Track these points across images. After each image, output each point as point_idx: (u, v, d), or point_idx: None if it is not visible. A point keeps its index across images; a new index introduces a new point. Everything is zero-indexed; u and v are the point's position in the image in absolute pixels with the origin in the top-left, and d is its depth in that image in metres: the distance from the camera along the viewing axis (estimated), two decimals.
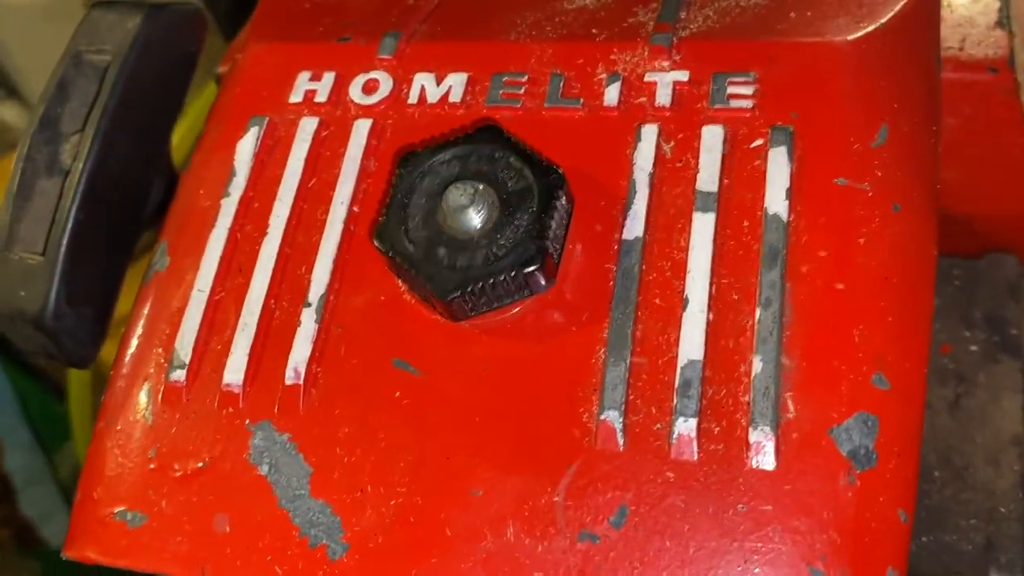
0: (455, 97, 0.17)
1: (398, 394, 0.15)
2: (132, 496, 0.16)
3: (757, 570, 0.13)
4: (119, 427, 0.16)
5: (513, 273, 0.14)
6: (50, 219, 0.21)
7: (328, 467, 0.15)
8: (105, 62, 0.21)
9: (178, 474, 0.16)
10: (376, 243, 0.15)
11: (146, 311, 0.17)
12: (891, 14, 0.17)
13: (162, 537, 0.15)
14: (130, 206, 0.21)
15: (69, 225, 0.20)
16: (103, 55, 0.22)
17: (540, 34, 0.18)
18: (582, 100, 0.17)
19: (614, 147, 0.16)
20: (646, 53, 0.17)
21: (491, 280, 0.14)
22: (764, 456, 0.13)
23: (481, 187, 0.15)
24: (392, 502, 0.15)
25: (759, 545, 0.13)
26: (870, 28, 0.17)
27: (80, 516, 0.16)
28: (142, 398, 0.16)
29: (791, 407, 0.14)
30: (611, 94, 0.17)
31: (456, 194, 0.15)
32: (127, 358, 0.17)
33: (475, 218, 0.15)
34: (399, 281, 0.16)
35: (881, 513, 0.13)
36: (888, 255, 0.15)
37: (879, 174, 0.15)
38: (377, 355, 0.16)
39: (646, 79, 0.17)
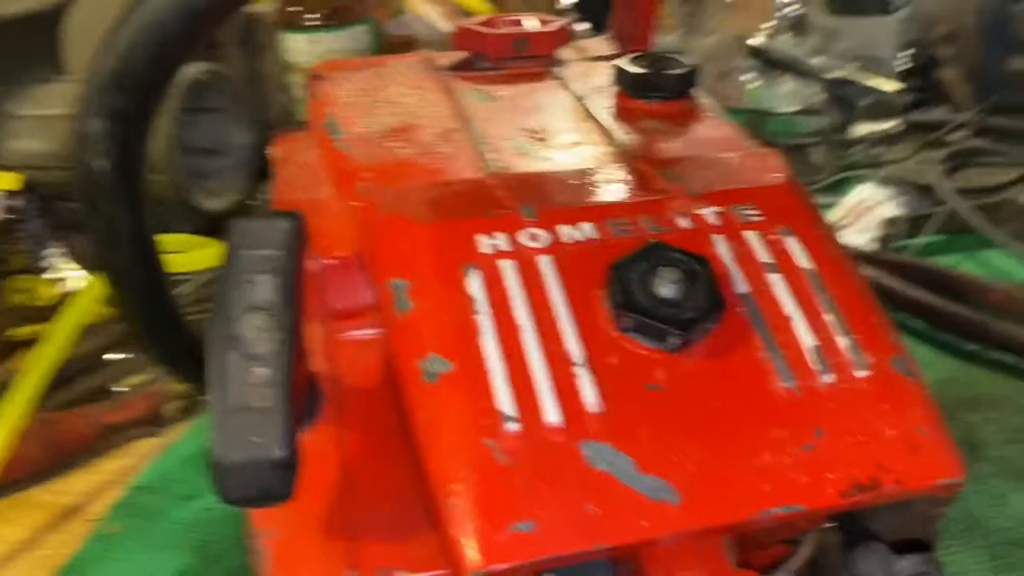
0: (593, 235, 0.28)
1: (660, 403, 0.25)
2: (515, 512, 0.23)
3: None
4: (474, 475, 0.23)
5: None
6: (268, 374, 0.26)
7: (641, 453, 0.24)
8: (273, 255, 0.28)
9: (543, 488, 0.23)
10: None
11: (451, 399, 0.24)
12: None
13: (551, 529, 0.22)
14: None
15: (283, 378, 0.26)
16: (268, 250, 0.28)
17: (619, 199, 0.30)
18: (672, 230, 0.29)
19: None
20: (685, 202, 0.29)
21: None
22: None
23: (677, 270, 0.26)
24: (701, 462, 0.24)
25: None
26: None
27: (478, 541, 0.22)
28: (489, 450, 0.23)
29: None
30: (683, 223, 0.29)
31: (667, 274, 0.25)
32: (451, 435, 0.24)
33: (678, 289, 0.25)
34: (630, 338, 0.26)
35: None
36: None
37: None
38: (633, 387, 0.25)
39: (693, 211, 0.29)
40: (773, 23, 0.84)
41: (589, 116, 0.37)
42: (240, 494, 0.25)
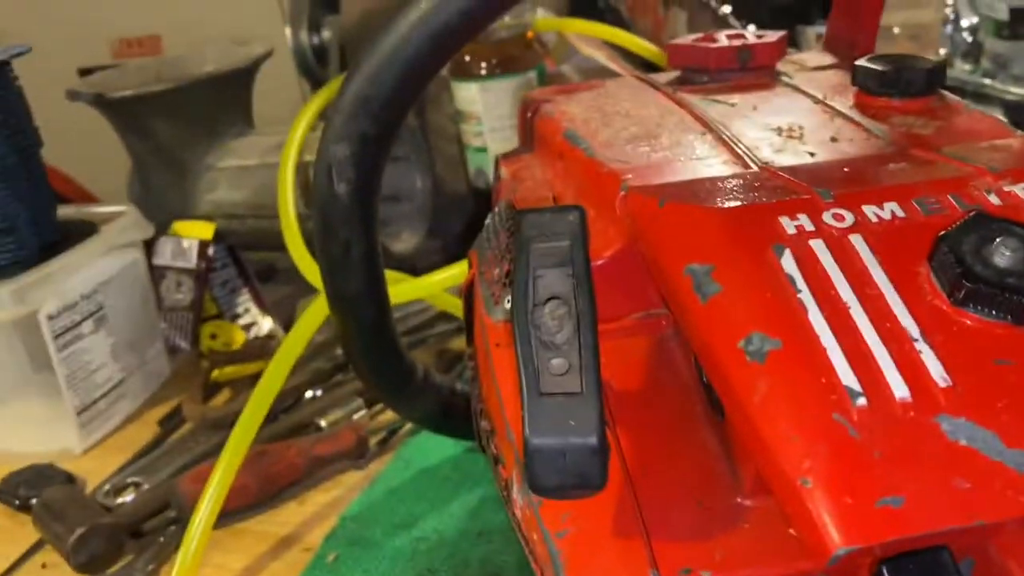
0: (901, 214, 0.27)
1: (1013, 378, 0.23)
2: (880, 487, 0.21)
3: None
4: (830, 451, 0.22)
5: None
6: (572, 362, 0.25)
7: (1003, 428, 0.22)
8: (563, 246, 0.27)
9: (905, 462, 0.22)
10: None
11: (787, 376, 0.23)
12: None
13: (922, 505, 0.21)
14: None
15: (593, 364, 0.25)
16: (558, 241, 0.28)
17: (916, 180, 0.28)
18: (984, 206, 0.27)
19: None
20: (989, 180, 0.28)
21: None
22: None
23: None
24: None
25: None
26: None
27: (844, 516, 0.21)
28: (842, 426, 0.22)
29: None
30: (994, 199, 0.27)
31: (1006, 243, 0.24)
32: (796, 412, 0.23)
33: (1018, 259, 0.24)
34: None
35: None
36: None
37: None
38: (979, 361, 0.23)
39: (1002, 188, 0.28)
40: (944, 51, 0.82)
41: (838, 114, 0.36)
42: (555, 481, 0.24)
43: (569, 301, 0.26)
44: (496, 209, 0.41)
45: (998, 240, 0.24)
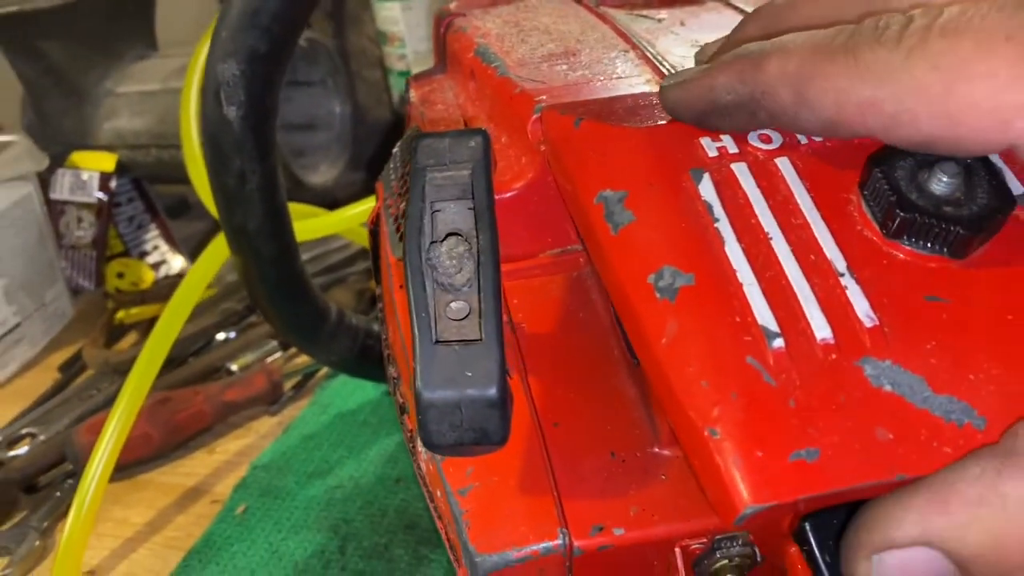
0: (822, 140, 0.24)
1: (944, 316, 0.21)
2: (794, 439, 0.19)
3: None
4: (741, 399, 0.20)
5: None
6: (472, 305, 0.23)
7: (931, 372, 0.20)
8: (464, 175, 0.24)
9: (823, 411, 0.19)
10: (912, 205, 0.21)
11: (698, 316, 0.21)
12: None
13: (839, 458, 0.19)
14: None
15: (494, 308, 0.22)
16: (458, 170, 0.24)
17: None
18: None
19: None
20: None
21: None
22: None
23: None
24: (1003, 383, 0.20)
25: None
26: None
27: (753, 471, 0.19)
28: (756, 371, 0.20)
29: None
30: None
31: (944, 167, 0.22)
32: (706, 356, 0.20)
33: (956, 185, 0.22)
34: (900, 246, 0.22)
35: None
36: None
37: None
38: (909, 298, 0.21)
39: None
40: None
41: None
42: (451, 437, 0.22)
43: (470, 238, 0.24)
44: (405, 136, 0.38)
45: (935, 165, 0.22)
